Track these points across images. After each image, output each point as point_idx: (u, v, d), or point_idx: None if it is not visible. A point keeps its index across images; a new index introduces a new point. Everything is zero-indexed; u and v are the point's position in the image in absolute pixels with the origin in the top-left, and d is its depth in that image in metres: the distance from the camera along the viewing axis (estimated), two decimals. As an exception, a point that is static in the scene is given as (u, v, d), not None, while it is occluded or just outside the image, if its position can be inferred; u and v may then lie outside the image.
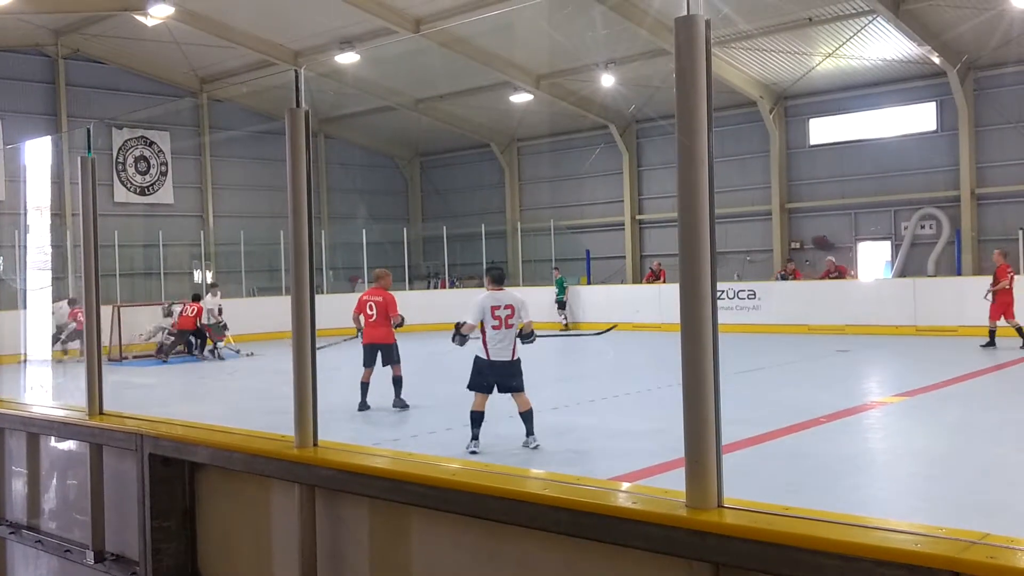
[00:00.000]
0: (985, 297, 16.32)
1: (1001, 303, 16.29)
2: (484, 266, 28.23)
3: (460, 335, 8.77)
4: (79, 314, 18.11)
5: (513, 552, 2.54)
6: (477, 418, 8.62)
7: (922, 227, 23.49)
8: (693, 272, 2.06)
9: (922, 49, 21.39)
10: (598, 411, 11.35)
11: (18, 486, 4.84)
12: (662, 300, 22.51)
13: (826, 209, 25.41)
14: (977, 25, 20.29)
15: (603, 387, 13.62)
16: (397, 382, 11.34)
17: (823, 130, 25.52)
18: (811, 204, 25.71)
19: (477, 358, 8.62)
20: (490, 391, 8.67)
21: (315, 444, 3.16)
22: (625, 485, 2.73)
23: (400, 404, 11.35)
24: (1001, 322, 16.30)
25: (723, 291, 22.94)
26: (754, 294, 22.64)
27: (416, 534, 2.86)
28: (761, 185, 26.26)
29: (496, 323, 8.55)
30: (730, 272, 25.39)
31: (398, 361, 11.38)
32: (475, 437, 8.59)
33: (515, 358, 8.71)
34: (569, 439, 9.44)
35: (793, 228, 26.17)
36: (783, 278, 23.34)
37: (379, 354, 11.25)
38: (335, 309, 23.10)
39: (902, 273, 23.22)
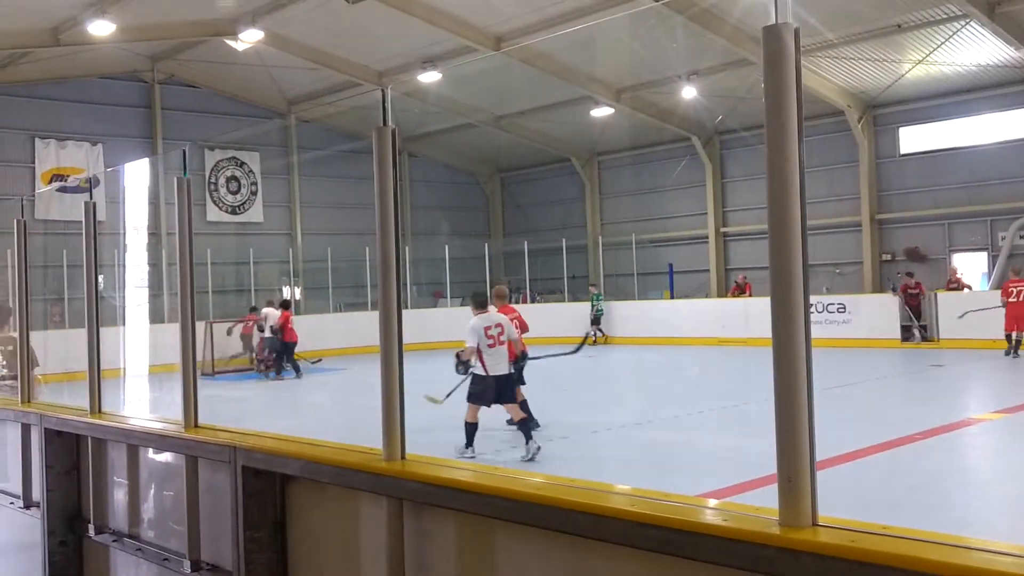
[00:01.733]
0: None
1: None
2: (565, 280, 28.36)
3: (463, 363, 9.27)
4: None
5: (600, 568, 2.52)
6: (473, 429, 9.26)
7: (1021, 237, 22.59)
8: (784, 285, 2.02)
9: (1019, 53, 20.63)
10: (683, 427, 11.21)
11: (119, 496, 5.02)
12: (748, 314, 22.12)
13: (918, 220, 24.65)
14: (1078, 26, 19.49)
15: (688, 402, 13.46)
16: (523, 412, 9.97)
17: (914, 139, 24.79)
18: (902, 215, 24.98)
19: (475, 375, 9.22)
20: (490, 404, 9.28)
21: (403, 457, 3.19)
22: (714, 502, 2.69)
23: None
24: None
25: (812, 304, 22.37)
26: (844, 307, 22.07)
27: (502, 548, 2.86)
28: (850, 196, 25.64)
29: (491, 342, 9.18)
30: (819, 285, 24.81)
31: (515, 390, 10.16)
32: (470, 445, 9.21)
33: (510, 372, 9.34)
34: (654, 454, 9.34)
35: (884, 239, 25.46)
36: (893, 290, 22.43)
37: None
38: (419, 324, 23.50)
39: (999, 285, 22.33)
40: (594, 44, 23.40)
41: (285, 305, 20.08)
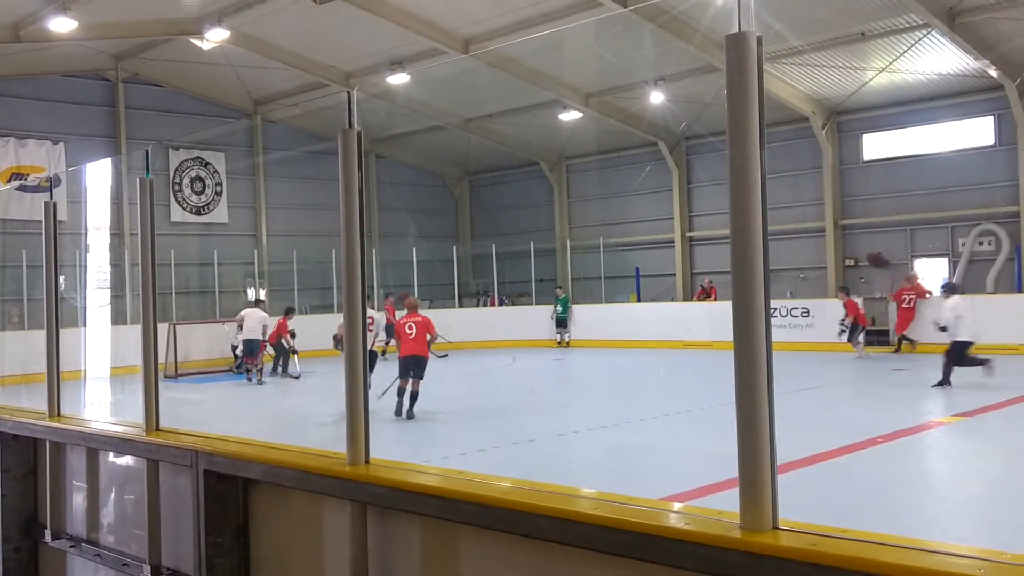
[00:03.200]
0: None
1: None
2: (533, 284, 28.41)
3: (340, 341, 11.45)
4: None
5: (564, 572, 2.52)
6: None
7: (980, 243, 22.98)
8: (746, 290, 2.04)
9: (978, 63, 20.98)
10: (649, 430, 11.26)
11: (78, 500, 4.95)
12: (713, 318, 22.29)
13: (881, 226, 24.97)
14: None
15: (654, 405, 13.52)
16: (414, 396, 12.61)
17: (877, 145, 25.12)
18: (865, 220, 25.30)
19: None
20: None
21: (367, 461, 3.18)
22: (677, 505, 2.70)
23: (411, 415, 12.48)
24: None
25: (776, 309, 22.65)
26: (808, 312, 22.32)
27: (466, 552, 2.86)
28: (814, 202, 25.92)
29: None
30: (783, 289, 25.06)
31: (422, 377, 12.73)
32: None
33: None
34: (620, 458, 9.37)
35: (847, 245, 25.76)
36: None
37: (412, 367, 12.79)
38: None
39: (960, 290, 22.68)
40: (562, 49, 23.49)
41: (288, 311, 20.09)
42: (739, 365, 2.06)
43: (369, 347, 11.14)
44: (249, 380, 18.48)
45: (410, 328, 12.89)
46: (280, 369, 19.48)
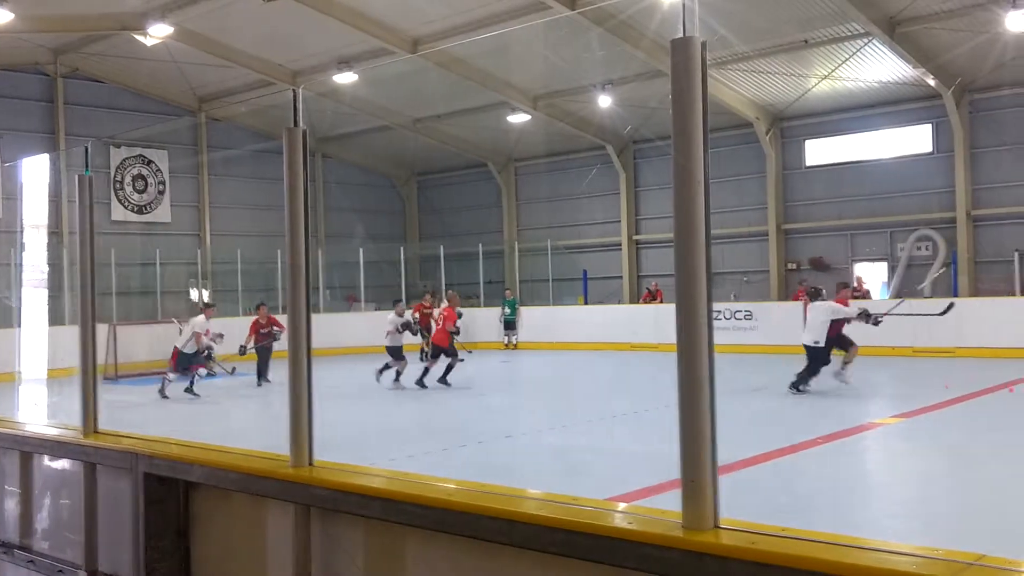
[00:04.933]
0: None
1: None
2: (482, 286, 28.39)
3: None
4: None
5: (509, 572, 2.53)
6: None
7: (918, 248, 23.55)
8: (689, 292, 2.07)
9: (917, 72, 21.53)
10: (595, 431, 11.33)
11: (10, 506, 4.82)
12: (659, 320, 22.49)
13: (822, 230, 25.46)
14: (972, 48, 20.42)
15: (600, 407, 13.61)
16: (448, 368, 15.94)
17: (819, 151, 25.62)
18: (807, 225, 25.77)
19: None
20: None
21: (311, 463, 3.15)
22: (622, 506, 2.72)
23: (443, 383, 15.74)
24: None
25: (720, 311, 22.94)
26: (751, 314, 22.64)
27: (411, 555, 2.85)
28: (757, 206, 26.33)
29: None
30: (727, 292, 25.40)
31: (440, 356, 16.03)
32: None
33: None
34: (566, 459, 9.41)
35: (789, 249, 26.21)
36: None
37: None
38: (331, 328, 23.21)
39: (898, 294, 23.23)
40: (510, 50, 23.54)
41: (260, 306, 19.25)
42: (682, 366, 2.08)
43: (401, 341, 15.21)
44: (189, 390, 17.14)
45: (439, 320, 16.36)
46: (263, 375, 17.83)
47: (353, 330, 24.13)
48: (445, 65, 24.12)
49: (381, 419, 12.87)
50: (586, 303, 28.39)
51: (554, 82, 25.36)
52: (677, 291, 2.12)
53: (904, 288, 23.26)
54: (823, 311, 13.88)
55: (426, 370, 15.84)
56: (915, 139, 23.91)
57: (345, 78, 25.35)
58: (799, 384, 13.80)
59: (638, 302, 27.10)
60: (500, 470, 8.75)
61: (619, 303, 28.28)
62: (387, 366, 16.34)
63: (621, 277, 29.27)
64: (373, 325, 25.93)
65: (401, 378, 16.02)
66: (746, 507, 6.62)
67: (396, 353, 16.22)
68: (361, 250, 27.46)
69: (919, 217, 23.54)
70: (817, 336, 13.61)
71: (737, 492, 7.27)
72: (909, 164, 23.95)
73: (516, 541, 2.40)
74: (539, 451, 10.08)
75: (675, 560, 2.03)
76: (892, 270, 24.08)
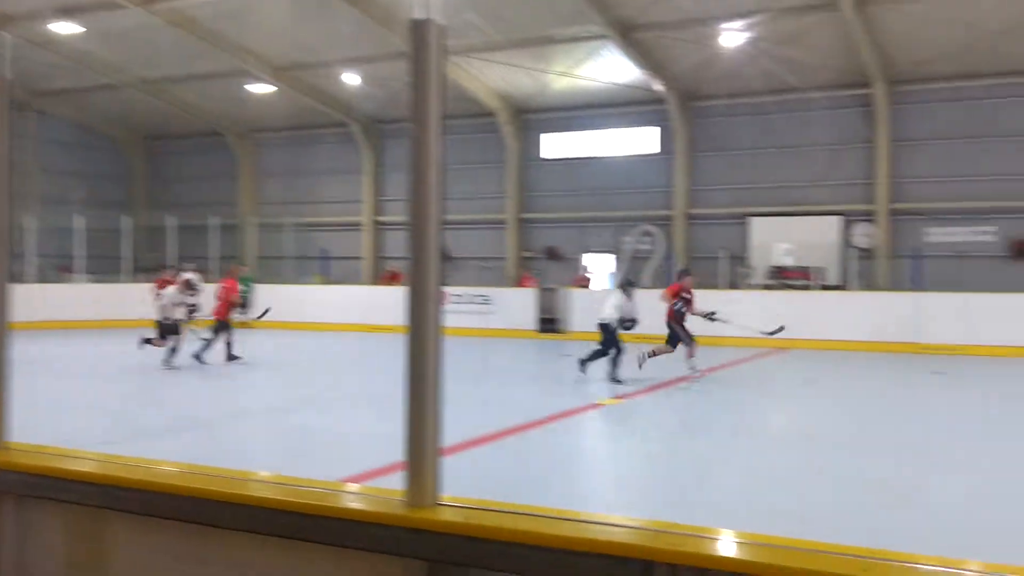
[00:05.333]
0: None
1: None
2: (215, 260, 27.11)
3: None
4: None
5: (234, 556, 2.43)
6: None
7: (641, 242, 25.28)
8: (419, 274, 2.08)
9: (646, 76, 23.06)
10: (329, 411, 11.20)
11: None
12: (399, 302, 22.58)
13: (557, 221, 26.66)
14: (696, 60, 22.17)
15: (335, 387, 13.48)
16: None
17: (555, 145, 26.78)
18: (543, 216, 26.88)
19: None
20: None
21: (3, 446, 2.86)
22: (354, 486, 2.71)
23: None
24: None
25: (459, 295, 23.46)
26: (488, 299, 23.33)
27: (123, 543, 2.66)
28: (498, 195, 27.11)
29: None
30: (466, 277, 26.02)
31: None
32: None
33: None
34: (299, 440, 9.23)
35: (526, 238, 27.23)
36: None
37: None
38: (43, 300, 21.25)
39: (622, 285, 24.82)
40: (251, 17, 22.60)
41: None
42: (409, 346, 2.09)
43: None
44: None
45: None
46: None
47: (67, 302, 22.27)
48: (178, 24, 22.73)
49: (104, 399, 11.98)
50: (327, 282, 27.95)
51: (299, 55, 24.66)
52: (408, 273, 2.14)
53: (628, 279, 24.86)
54: (615, 295, 14.34)
55: (206, 343, 15.27)
56: (644, 140, 25.62)
57: (65, 28, 23.21)
58: (588, 362, 13.94)
59: (378, 283, 27.09)
60: (229, 452, 8.43)
61: (359, 284, 28.11)
62: (150, 340, 15.11)
63: (362, 258, 29.10)
64: (93, 297, 24.15)
65: (176, 356, 14.79)
66: (473, 485, 6.81)
67: (172, 329, 15.01)
68: (77, 216, 25.28)
69: (644, 213, 25.27)
70: (606, 316, 13.91)
71: (466, 470, 7.48)
72: (636, 163, 25.62)
73: (240, 525, 2.32)
74: (270, 432, 9.83)
75: (397, 538, 2.04)
76: (619, 261, 25.70)
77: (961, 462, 8.56)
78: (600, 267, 25.95)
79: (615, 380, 13.51)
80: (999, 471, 8.10)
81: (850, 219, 22.94)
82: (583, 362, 13.97)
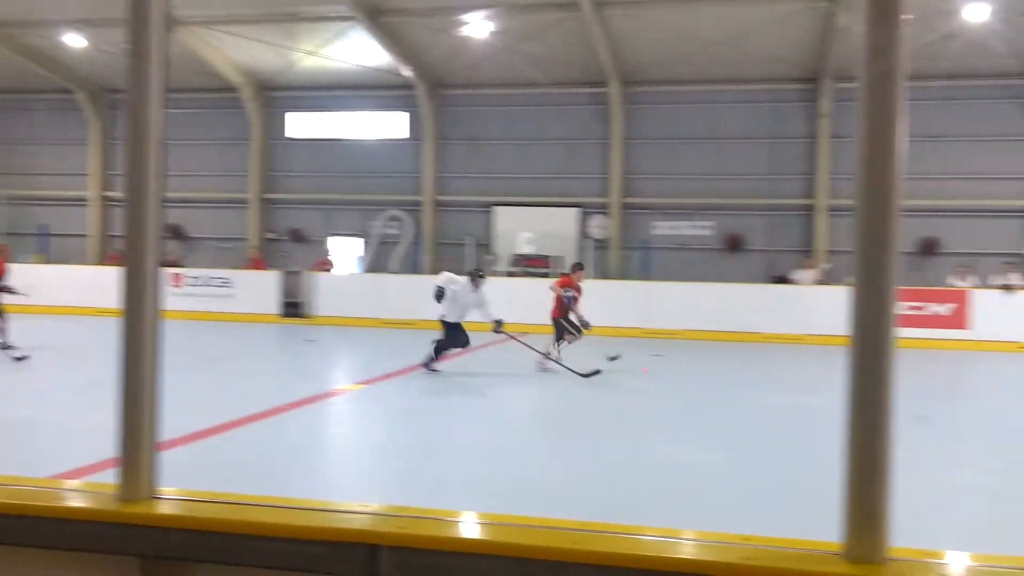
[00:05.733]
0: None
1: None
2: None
3: None
4: None
5: None
6: None
7: (389, 227, 25.28)
8: (136, 252, 1.95)
9: (395, 61, 23.04)
10: (50, 404, 10.31)
11: None
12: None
13: (302, 202, 26.07)
14: (444, 48, 22.42)
15: (53, 377, 12.43)
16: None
17: (302, 125, 26.14)
18: (288, 196, 26.19)
19: None
20: None
21: None
22: (62, 482, 2.51)
23: None
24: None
25: (197, 277, 22.36)
26: (228, 281, 22.41)
27: None
28: (240, 173, 26.09)
29: None
30: (204, 259, 24.82)
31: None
32: None
33: None
34: (11, 435, 8.43)
35: (270, 219, 26.41)
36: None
37: None
38: None
39: (370, 269, 24.78)
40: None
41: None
42: (124, 332, 1.96)
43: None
44: None
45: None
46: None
47: None
48: None
49: None
50: (48, 262, 25.63)
51: (13, 11, 22.38)
52: (125, 253, 2.00)
53: (376, 263, 24.83)
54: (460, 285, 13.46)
55: None
56: (393, 124, 25.58)
57: None
58: (435, 357, 13.28)
59: (106, 263, 25.23)
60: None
61: (85, 263, 26.04)
62: None
63: (88, 235, 26.97)
64: None
65: None
66: (201, 477, 6.55)
67: None
68: None
69: (392, 198, 25.27)
70: (444, 311, 13.23)
71: (193, 462, 7.17)
72: (386, 147, 25.56)
73: None
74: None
75: (107, 535, 1.92)
76: (366, 245, 25.55)
77: (674, 436, 9.31)
78: (346, 251, 25.70)
79: (431, 368, 13.04)
80: (702, 442, 8.89)
81: (587, 211, 24.20)
82: (427, 364, 13.22)
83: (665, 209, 23.90)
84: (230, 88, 25.07)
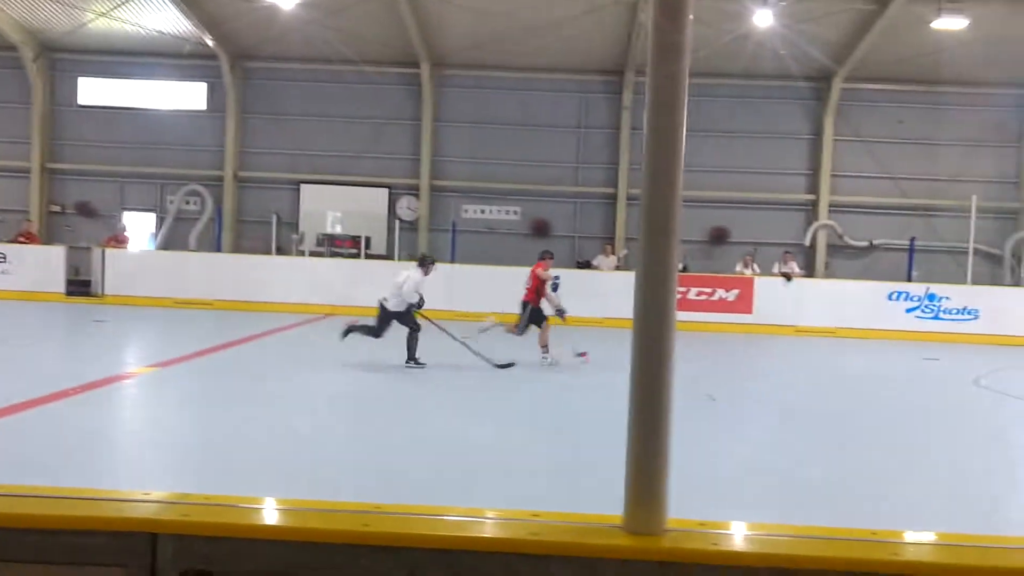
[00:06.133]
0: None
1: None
2: None
3: None
4: None
5: None
6: None
7: (187, 203, 24.14)
8: None
9: (197, 30, 21.96)
10: None
11: None
12: None
13: (92, 174, 24.41)
14: (249, 19, 21.53)
15: None
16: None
17: (95, 91, 24.45)
18: (76, 167, 24.45)
19: None
20: None
21: None
22: None
23: None
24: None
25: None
26: (5, 258, 20.73)
27: None
28: (21, 139, 24.12)
29: None
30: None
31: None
32: None
33: None
34: None
35: (55, 190, 24.59)
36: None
37: None
38: None
39: (166, 246, 23.58)
40: None
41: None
42: None
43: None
44: None
45: None
46: None
47: None
48: None
49: None
50: None
51: None
52: None
53: (172, 240, 23.64)
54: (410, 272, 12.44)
55: None
56: (192, 95, 24.38)
57: None
58: (352, 333, 12.50)
59: None
60: None
61: None
62: None
63: None
64: None
65: None
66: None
67: None
68: None
69: (190, 172, 24.12)
70: (397, 302, 12.21)
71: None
72: (185, 119, 24.34)
73: None
74: None
75: None
76: (161, 221, 24.29)
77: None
78: (141, 227, 24.32)
79: (416, 363, 12.18)
80: (499, 421, 9.10)
81: (396, 192, 24.07)
82: (349, 331, 12.44)
83: (474, 193, 24.14)
84: (9, 47, 23.09)
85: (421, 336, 12.36)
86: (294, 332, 16.83)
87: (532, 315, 13.45)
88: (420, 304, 12.32)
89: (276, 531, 1.73)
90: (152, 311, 19.31)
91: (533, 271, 13.85)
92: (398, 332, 12.32)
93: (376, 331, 12.47)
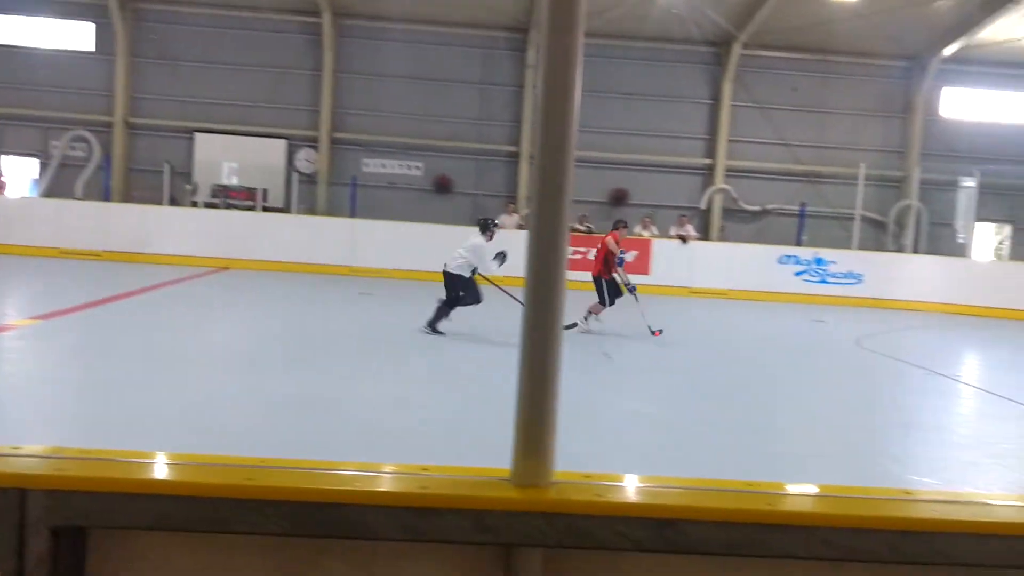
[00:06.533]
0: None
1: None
2: None
3: None
4: None
5: None
6: None
7: (73, 148, 23.07)
8: None
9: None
10: None
11: None
12: None
13: (-30, 115, 23.09)
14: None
15: None
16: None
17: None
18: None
19: None
20: None
21: None
22: None
23: None
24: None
25: None
26: None
27: None
28: None
29: None
30: None
31: None
32: None
33: None
34: None
35: (-73, 131, 23.16)
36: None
37: None
38: None
39: (49, 193, 22.52)
40: None
41: None
42: None
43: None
44: None
45: None
46: None
47: None
48: None
49: None
50: None
51: None
52: None
53: (56, 188, 22.60)
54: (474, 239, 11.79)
55: None
56: (78, 36, 23.19)
57: None
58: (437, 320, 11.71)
59: None
60: None
61: None
62: None
63: None
64: None
65: None
66: None
67: None
68: None
69: (77, 116, 23.03)
70: (458, 266, 11.63)
71: None
72: (71, 60, 23.17)
73: None
74: None
75: None
76: (44, 167, 23.17)
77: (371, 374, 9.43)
78: (20, 172, 23.15)
79: (433, 330, 11.54)
80: (396, 378, 9.10)
81: (294, 143, 23.52)
82: (431, 324, 11.65)
83: (375, 146, 23.78)
84: None
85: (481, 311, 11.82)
86: (186, 285, 16.38)
87: (610, 287, 12.69)
88: (503, 260, 11.65)
89: (155, 484, 1.69)
90: (34, 261, 18.49)
91: (603, 240, 12.93)
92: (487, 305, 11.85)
93: (456, 301, 11.67)
